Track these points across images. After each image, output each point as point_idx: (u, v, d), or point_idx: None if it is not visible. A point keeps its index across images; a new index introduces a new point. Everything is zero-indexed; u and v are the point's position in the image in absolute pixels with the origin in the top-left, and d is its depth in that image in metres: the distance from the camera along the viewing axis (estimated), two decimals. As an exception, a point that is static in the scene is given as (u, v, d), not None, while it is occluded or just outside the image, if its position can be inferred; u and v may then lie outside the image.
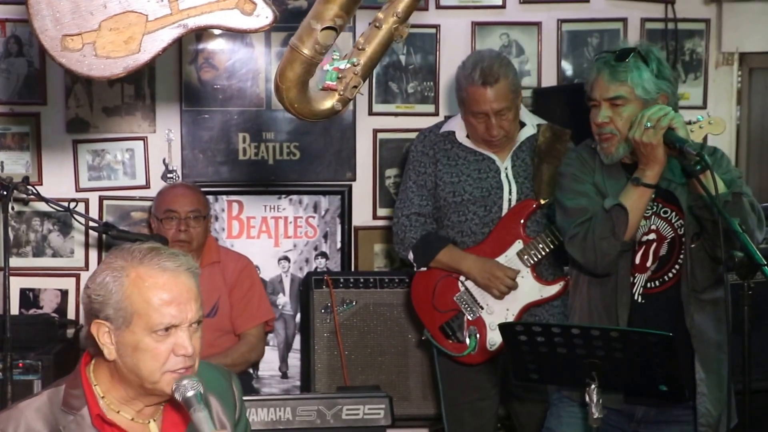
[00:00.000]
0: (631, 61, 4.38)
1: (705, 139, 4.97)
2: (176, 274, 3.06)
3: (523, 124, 5.45)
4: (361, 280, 6.11)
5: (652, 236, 4.47)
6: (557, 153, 5.12)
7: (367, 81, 6.14)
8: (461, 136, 5.46)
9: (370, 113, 6.44)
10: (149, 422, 3.22)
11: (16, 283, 6.11)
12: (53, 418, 3.09)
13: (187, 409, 3.02)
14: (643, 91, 4.36)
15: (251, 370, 6.07)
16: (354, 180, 6.46)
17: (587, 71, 4.68)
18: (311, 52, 3.39)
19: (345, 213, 6.43)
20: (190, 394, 3.02)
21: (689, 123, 4.50)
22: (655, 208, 4.45)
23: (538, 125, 5.44)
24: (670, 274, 4.46)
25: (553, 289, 5.35)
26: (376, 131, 6.45)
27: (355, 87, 3.47)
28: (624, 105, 4.39)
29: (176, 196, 5.61)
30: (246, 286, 5.80)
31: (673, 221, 4.46)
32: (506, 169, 5.42)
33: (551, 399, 4.72)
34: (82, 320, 6.11)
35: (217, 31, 6.20)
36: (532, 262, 5.34)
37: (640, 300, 4.47)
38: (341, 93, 3.48)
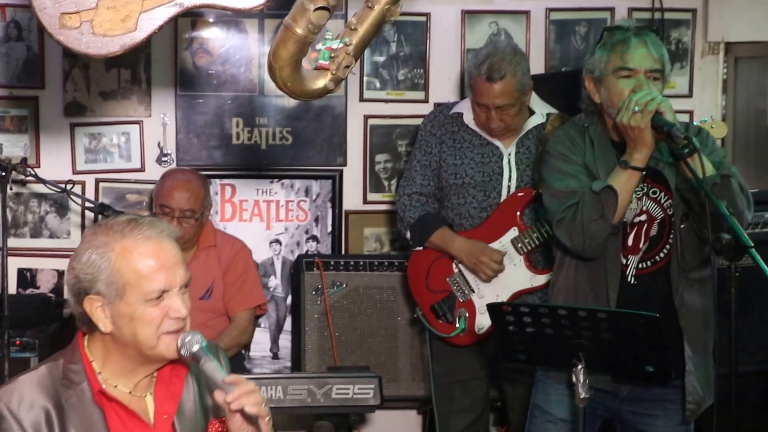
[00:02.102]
0: (650, 36, 4.34)
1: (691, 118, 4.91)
2: (159, 240, 3.08)
3: (532, 112, 5.39)
4: (351, 263, 6.08)
5: (643, 217, 4.41)
6: None
7: (358, 68, 6.17)
8: (468, 118, 5.42)
9: (361, 99, 6.40)
10: (146, 396, 3.22)
11: (14, 263, 6.08)
12: (54, 391, 3.09)
13: (196, 362, 3.05)
14: (667, 69, 4.35)
15: (243, 351, 6.01)
16: (345, 165, 6.41)
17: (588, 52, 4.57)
18: (304, 32, 3.33)
19: (336, 197, 6.39)
20: (196, 348, 3.05)
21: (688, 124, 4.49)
22: (644, 188, 4.39)
23: (548, 114, 5.37)
24: (661, 254, 4.40)
25: (544, 278, 5.28)
26: (366, 117, 6.40)
27: (347, 67, 3.42)
28: (658, 79, 4.31)
29: (172, 191, 5.50)
30: (240, 270, 5.73)
31: (662, 201, 4.40)
32: (509, 155, 5.38)
33: (537, 376, 4.68)
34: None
35: (211, 18, 6.18)
36: (525, 250, 5.31)
37: (632, 281, 4.41)
38: (334, 72, 3.43)
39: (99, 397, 3.11)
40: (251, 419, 3.00)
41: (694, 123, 4.46)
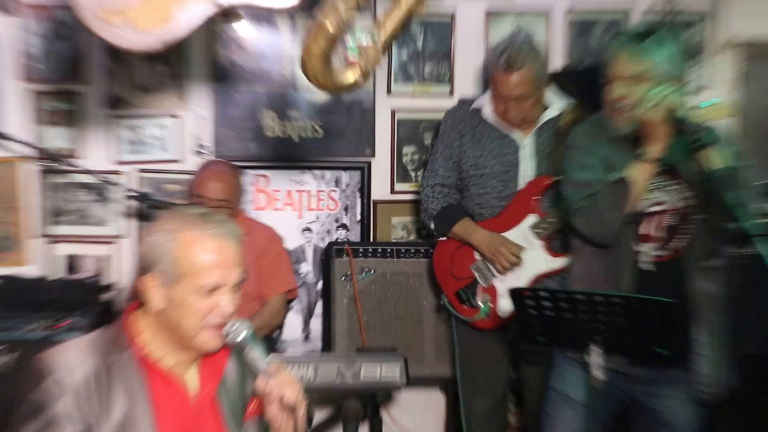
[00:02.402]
0: (649, 43, 4.33)
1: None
2: (223, 240, 3.15)
3: (547, 107, 5.39)
4: (379, 251, 6.06)
5: (657, 208, 4.42)
6: None
7: (386, 63, 6.17)
8: (487, 113, 5.43)
9: (389, 94, 6.37)
10: (188, 370, 3.28)
11: (60, 250, 6.11)
12: (101, 355, 3.15)
13: (240, 350, 3.13)
14: (662, 71, 4.31)
15: (275, 334, 6.01)
16: (373, 156, 6.40)
17: (607, 49, 4.58)
18: (335, 28, 3.35)
19: (364, 187, 6.38)
20: (241, 337, 3.13)
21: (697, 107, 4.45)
22: (660, 181, 4.41)
23: (563, 108, 5.38)
24: (675, 244, 4.41)
25: (563, 261, 5.20)
26: (394, 111, 6.38)
27: (376, 61, 3.43)
28: (638, 83, 4.32)
29: (207, 182, 5.53)
30: (272, 256, 5.75)
31: (677, 194, 4.41)
32: (525, 147, 5.38)
33: (555, 359, 4.71)
34: (121, 284, 6.15)
35: (246, 17, 6.18)
36: (544, 235, 5.30)
37: (647, 268, 4.42)
38: (363, 67, 3.44)
39: (142, 364, 3.18)
40: (287, 408, 3.05)
41: (701, 105, 4.44)
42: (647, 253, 4.43)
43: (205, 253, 3.12)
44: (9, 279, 5.89)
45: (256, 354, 3.10)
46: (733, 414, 4.07)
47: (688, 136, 4.14)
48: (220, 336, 3.16)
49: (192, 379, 3.28)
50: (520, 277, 5.29)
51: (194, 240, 3.12)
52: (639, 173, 4.31)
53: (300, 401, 3.05)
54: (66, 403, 3.06)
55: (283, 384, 3.04)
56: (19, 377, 3.20)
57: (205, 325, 3.14)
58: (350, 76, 3.48)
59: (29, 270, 6.09)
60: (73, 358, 3.12)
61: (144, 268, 3.17)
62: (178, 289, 3.12)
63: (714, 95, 6.21)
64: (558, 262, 5.27)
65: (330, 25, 3.36)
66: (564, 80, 5.69)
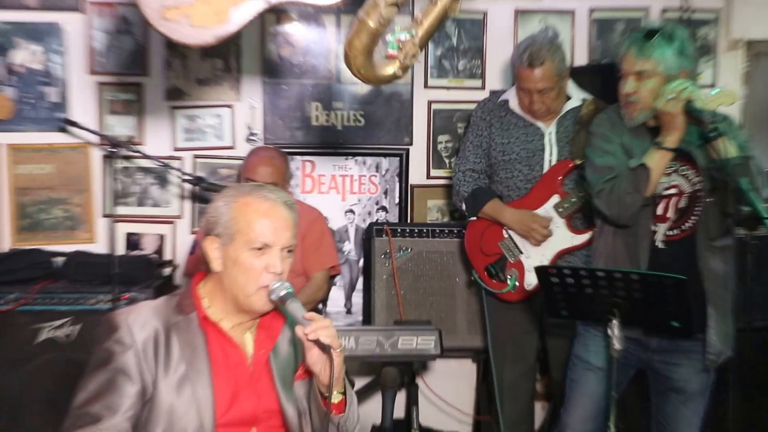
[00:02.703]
0: (656, 41, 4.38)
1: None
2: (275, 204, 3.25)
3: (569, 97, 5.43)
4: (416, 231, 6.09)
5: (672, 191, 4.48)
6: None
7: (423, 58, 6.20)
8: (513, 104, 5.49)
9: (426, 87, 6.40)
10: (245, 333, 3.36)
11: (122, 229, 6.16)
12: (166, 316, 3.26)
13: (282, 304, 3.20)
14: (665, 67, 4.36)
15: (320, 307, 6.06)
16: (411, 144, 6.43)
17: (618, 47, 4.63)
18: (376, 25, 3.40)
19: (403, 172, 6.41)
20: (282, 292, 3.19)
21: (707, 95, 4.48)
22: (675, 166, 4.46)
23: (584, 99, 5.44)
24: (688, 224, 4.46)
25: (584, 237, 5.34)
26: (430, 102, 6.41)
27: (414, 56, 3.47)
28: (648, 78, 4.39)
29: (257, 166, 5.54)
30: (316, 235, 5.76)
31: (690, 178, 4.47)
32: (550, 134, 5.43)
33: (578, 330, 4.76)
34: (177, 260, 6.22)
35: (294, 14, 6.23)
36: (566, 213, 5.36)
37: (661, 246, 4.47)
38: (401, 61, 3.47)
39: (203, 326, 3.27)
40: (325, 349, 3.12)
41: (712, 92, 4.47)
42: (663, 232, 4.48)
43: (257, 213, 3.22)
44: (78, 255, 5.96)
45: (295, 306, 3.17)
46: (739, 381, 4.08)
47: (704, 127, 4.19)
48: (270, 298, 3.24)
49: (248, 342, 3.35)
50: (545, 253, 5.36)
51: (248, 202, 3.24)
52: (657, 160, 4.35)
53: (335, 341, 3.12)
54: (127, 360, 3.16)
55: (319, 328, 3.11)
56: (95, 331, 3.27)
57: (260, 285, 3.21)
58: (390, 69, 3.51)
59: (95, 247, 6.15)
60: (137, 319, 3.22)
61: (207, 231, 3.28)
62: (233, 248, 3.22)
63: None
64: (579, 239, 5.35)
65: (372, 22, 3.41)
66: (584, 76, 5.72)
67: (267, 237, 3.22)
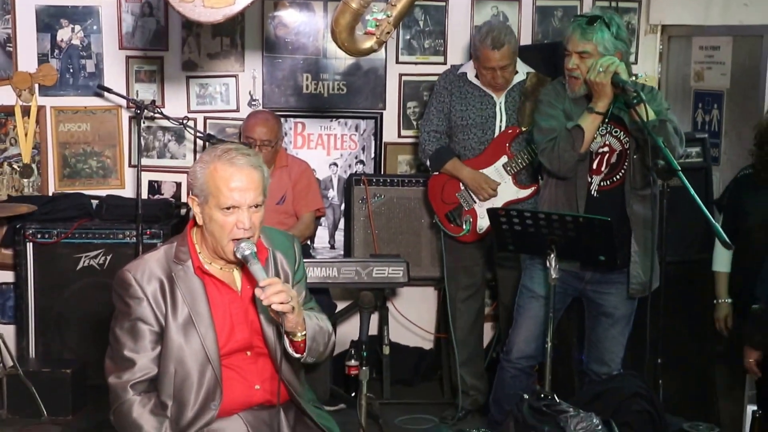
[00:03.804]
0: (597, 26, 4.31)
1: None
2: (241, 168, 3.08)
3: (516, 71, 5.34)
4: (388, 181, 6.02)
5: (605, 149, 4.43)
6: (538, 94, 4.96)
7: (395, 38, 6.10)
8: (471, 76, 5.39)
9: (397, 62, 6.28)
10: (233, 271, 3.24)
11: (145, 177, 6.05)
12: (168, 266, 3.15)
13: (245, 263, 3.07)
14: (603, 48, 4.30)
15: (309, 243, 5.98)
16: (384, 109, 6.30)
17: (565, 30, 4.57)
18: (358, 6, 3.31)
19: (378, 132, 6.30)
20: (246, 252, 3.06)
21: (635, 76, 4.54)
22: (609, 128, 4.41)
23: (527, 73, 5.35)
24: (617, 176, 4.43)
25: (527, 192, 5.30)
26: (401, 75, 6.28)
27: (389, 33, 3.40)
28: (588, 57, 4.32)
29: (255, 126, 5.49)
30: (305, 183, 5.71)
31: (621, 138, 4.42)
32: (500, 103, 5.33)
33: (524, 264, 4.72)
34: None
35: (288, 1, 6.12)
36: (513, 171, 5.28)
37: (595, 195, 4.43)
38: (378, 37, 3.39)
39: (198, 272, 3.17)
40: (277, 314, 3.01)
41: (640, 75, 4.42)
42: (597, 183, 4.44)
43: (223, 178, 3.06)
44: (109, 198, 5.96)
45: (255, 268, 3.04)
46: (657, 306, 4.06)
47: (628, 95, 4.14)
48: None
49: (237, 278, 3.25)
50: (494, 203, 5.26)
51: (219, 168, 3.07)
52: (590, 123, 4.31)
53: (286, 307, 2.98)
54: (143, 310, 3.11)
55: (272, 294, 2.96)
56: (112, 287, 3.20)
57: (231, 238, 3.09)
58: (368, 44, 3.46)
59: (124, 192, 6.10)
60: (144, 274, 3.13)
61: (189, 191, 3.18)
62: (208, 207, 3.08)
63: (643, 68, 6.24)
64: (523, 193, 5.30)
65: (354, 4, 3.33)
66: (529, 53, 5.62)
67: (233, 200, 3.06)
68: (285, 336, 3.11)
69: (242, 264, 3.15)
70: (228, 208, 3.06)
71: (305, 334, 3.14)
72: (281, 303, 2.97)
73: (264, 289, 2.97)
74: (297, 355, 3.16)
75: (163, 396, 3.14)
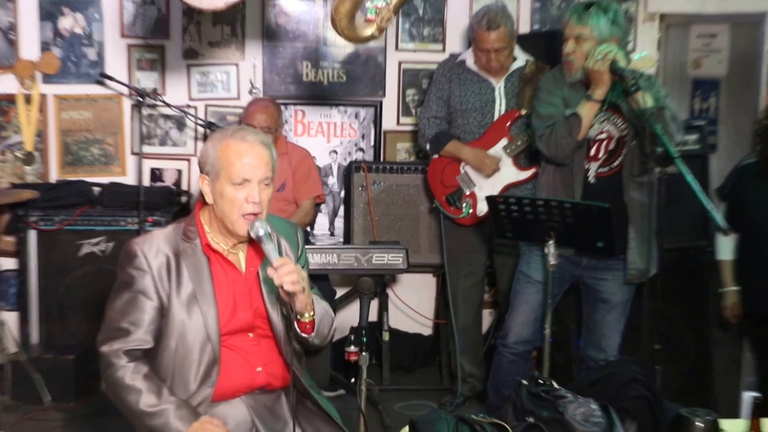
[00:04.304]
0: (593, 11, 4.29)
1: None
2: (252, 144, 3.12)
3: (515, 58, 5.34)
4: (388, 168, 6.00)
5: (603, 135, 4.41)
6: (537, 80, 4.94)
7: (394, 26, 6.08)
8: (470, 63, 5.39)
9: (397, 50, 6.26)
10: (239, 252, 3.26)
11: (147, 164, 6.05)
12: (175, 243, 3.17)
13: (259, 243, 3.09)
14: (598, 33, 4.28)
15: (308, 230, 5.97)
16: (384, 97, 6.29)
17: (563, 15, 4.55)
18: None
19: (377, 120, 6.28)
20: (261, 232, 3.08)
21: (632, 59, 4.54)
22: (607, 116, 4.39)
23: (527, 60, 5.34)
24: (615, 163, 4.40)
25: (527, 174, 5.27)
26: (400, 62, 6.26)
27: (388, 20, 3.38)
28: (584, 42, 4.30)
29: (255, 113, 5.45)
30: (305, 170, 5.68)
31: (619, 125, 4.40)
32: (499, 88, 5.33)
33: (522, 250, 4.71)
34: (192, 190, 6.15)
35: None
36: (513, 154, 5.27)
37: (593, 181, 4.41)
38: (378, 24, 3.37)
39: (206, 249, 3.18)
40: (288, 294, 3.01)
41: (636, 56, 4.42)
42: (594, 170, 4.41)
43: (236, 153, 3.09)
44: (111, 185, 5.94)
45: (268, 248, 3.05)
46: (654, 292, 4.06)
47: (626, 82, 4.11)
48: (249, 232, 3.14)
49: (242, 259, 3.25)
50: (495, 186, 5.26)
51: (229, 144, 3.11)
52: (587, 110, 4.29)
53: (297, 288, 2.99)
54: (146, 283, 3.12)
55: (284, 274, 2.97)
56: (118, 257, 3.20)
57: (242, 214, 3.10)
58: (368, 31, 3.44)
59: (126, 179, 6.08)
60: (151, 248, 3.15)
61: (200, 169, 3.18)
62: (219, 183, 3.10)
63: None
64: (523, 175, 5.28)
65: None
66: (528, 41, 5.62)
67: (245, 173, 3.09)
68: (293, 317, 3.12)
69: (250, 241, 3.19)
70: (240, 183, 3.09)
71: (313, 315, 3.16)
72: (293, 283, 2.98)
73: (276, 269, 2.98)
74: (305, 335, 3.17)
75: (161, 373, 3.14)
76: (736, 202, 4.83)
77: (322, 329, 3.23)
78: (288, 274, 2.97)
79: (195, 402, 3.12)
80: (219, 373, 3.15)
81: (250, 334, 3.23)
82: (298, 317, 3.13)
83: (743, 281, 4.87)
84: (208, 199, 3.16)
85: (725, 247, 4.93)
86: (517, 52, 5.35)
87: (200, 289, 3.14)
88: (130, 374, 3.06)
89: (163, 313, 3.12)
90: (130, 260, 3.13)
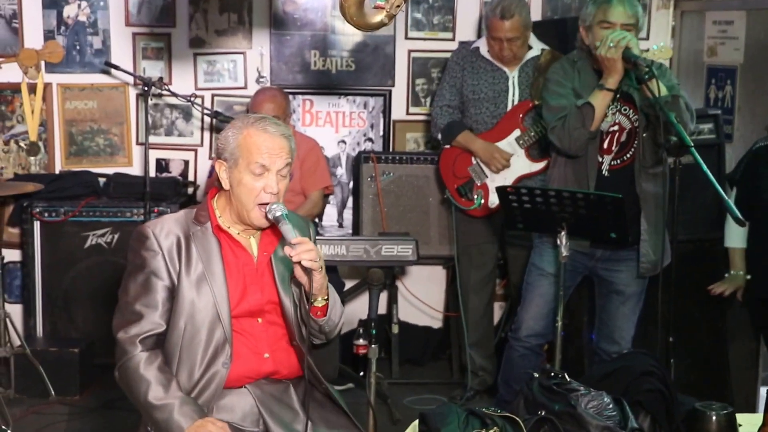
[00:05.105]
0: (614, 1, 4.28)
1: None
2: (273, 135, 3.16)
3: (530, 47, 5.33)
4: (397, 158, 6.00)
5: (615, 127, 4.40)
6: None
7: (404, 14, 6.08)
8: (483, 51, 5.38)
9: (406, 38, 6.24)
10: (250, 238, 3.29)
11: (153, 155, 6.03)
12: (186, 226, 3.22)
13: (276, 224, 3.13)
14: (640, 21, 4.31)
15: (317, 221, 5.97)
16: (393, 86, 6.27)
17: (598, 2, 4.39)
18: None
19: (386, 109, 6.27)
20: (278, 213, 3.12)
21: (647, 50, 4.50)
22: (618, 107, 4.38)
23: (542, 49, 5.33)
24: (628, 155, 4.40)
25: (540, 165, 5.27)
26: (410, 51, 6.24)
27: (398, 6, 3.36)
28: (631, 31, 4.25)
29: (262, 102, 5.42)
30: (313, 160, 5.66)
31: (630, 116, 4.39)
32: (513, 78, 5.33)
33: (534, 242, 4.70)
34: (198, 181, 6.15)
35: (297, -24, 6.09)
36: (525, 145, 5.27)
37: (606, 174, 4.41)
38: (388, 10, 3.36)
39: (217, 232, 3.23)
40: (306, 270, 3.05)
41: (654, 47, 4.39)
42: (608, 162, 4.41)
43: (257, 142, 3.14)
44: (117, 176, 5.96)
45: (286, 228, 3.08)
46: (669, 284, 4.05)
47: (640, 70, 4.09)
48: (266, 216, 3.18)
49: (253, 245, 3.29)
50: (507, 177, 5.26)
51: (250, 133, 3.15)
52: (600, 100, 4.26)
53: (315, 265, 3.03)
54: (157, 264, 3.16)
55: (303, 251, 3.01)
56: (130, 240, 3.28)
57: (258, 203, 3.15)
58: (378, 18, 3.41)
59: (131, 169, 6.09)
60: (162, 230, 3.19)
61: (217, 155, 3.22)
62: (237, 171, 3.14)
63: (656, 42, 6.11)
64: (536, 166, 5.28)
65: None
66: (542, 29, 5.61)
67: (264, 161, 3.12)
68: (307, 300, 3.14)
69: (263, 230, 3.23)
70: (259, 174, 3.12)
71: (327, 299, 3.19)
72: (311, 260, 3.02)
73: (294, 246, 3.02)
74: (317, 320, 3.20)
75: (169, 353, 3.17)
76: (749, 186, 4.73)
77: (333, 316, 3.26)
78: (307, 252, 3.02)
79: (203, 384, 3.15)
80: (232, 355, 3.18)
81: (259, 320, 3.26)
82: (312, 302, 3.16)
83: (755, 266, 4.81)
84: (225, 185, 3.20)
85: (734, 235, 4.83)
86: (533, 41, 5.34)
87: (210, 270, 3.17)
88: (144, 364, 3.09)
89: (173, 293, 3.16)
90: (141, 242, 3.18)
